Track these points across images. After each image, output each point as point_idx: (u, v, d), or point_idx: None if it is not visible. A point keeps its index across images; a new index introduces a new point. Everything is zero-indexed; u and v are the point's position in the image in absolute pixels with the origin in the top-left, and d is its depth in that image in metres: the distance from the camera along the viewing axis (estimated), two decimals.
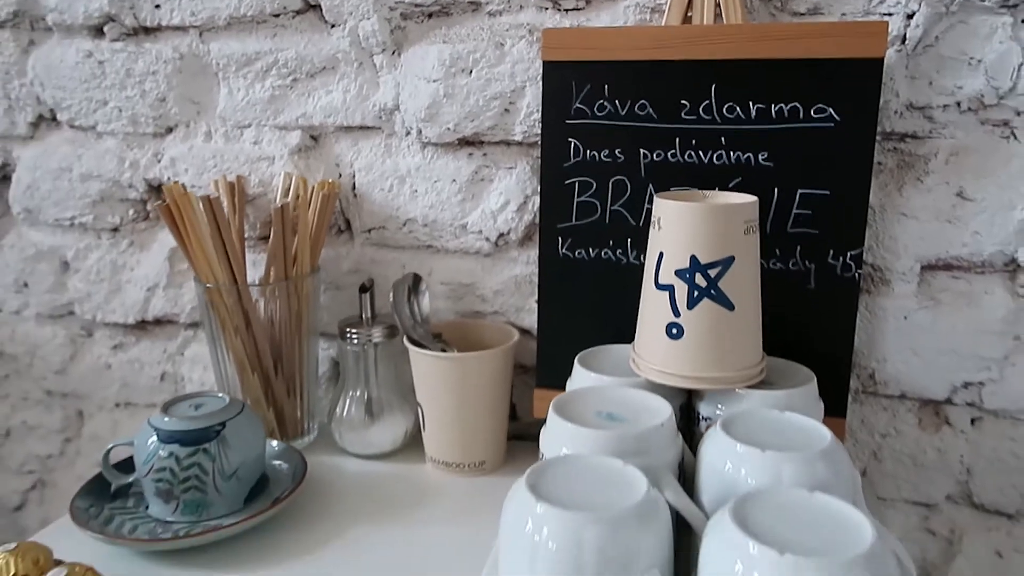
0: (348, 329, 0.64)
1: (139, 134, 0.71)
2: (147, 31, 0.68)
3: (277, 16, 0.65)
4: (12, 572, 0.42)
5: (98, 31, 0.70)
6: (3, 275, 0.78)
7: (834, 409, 0.55)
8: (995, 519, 0.61)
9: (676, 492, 0.40)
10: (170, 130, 0.71)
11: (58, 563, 0.45)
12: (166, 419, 0.54)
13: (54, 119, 0.73)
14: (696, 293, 0.47)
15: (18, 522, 0.87)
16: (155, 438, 0.53)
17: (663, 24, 0.56)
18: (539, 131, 0.60)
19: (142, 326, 0.77)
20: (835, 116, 0.53)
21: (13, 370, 0.82)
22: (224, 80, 0.68)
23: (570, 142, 0.58)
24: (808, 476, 0.39)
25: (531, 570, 0.36)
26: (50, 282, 0.77)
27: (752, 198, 0.49)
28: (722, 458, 0.41)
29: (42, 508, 0.86)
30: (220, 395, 0.57)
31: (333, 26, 0.64)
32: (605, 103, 0.57)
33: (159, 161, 0.71)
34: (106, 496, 0.57)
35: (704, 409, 0.49)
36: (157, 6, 0.67)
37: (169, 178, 0.71)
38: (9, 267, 0.78)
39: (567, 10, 0.59)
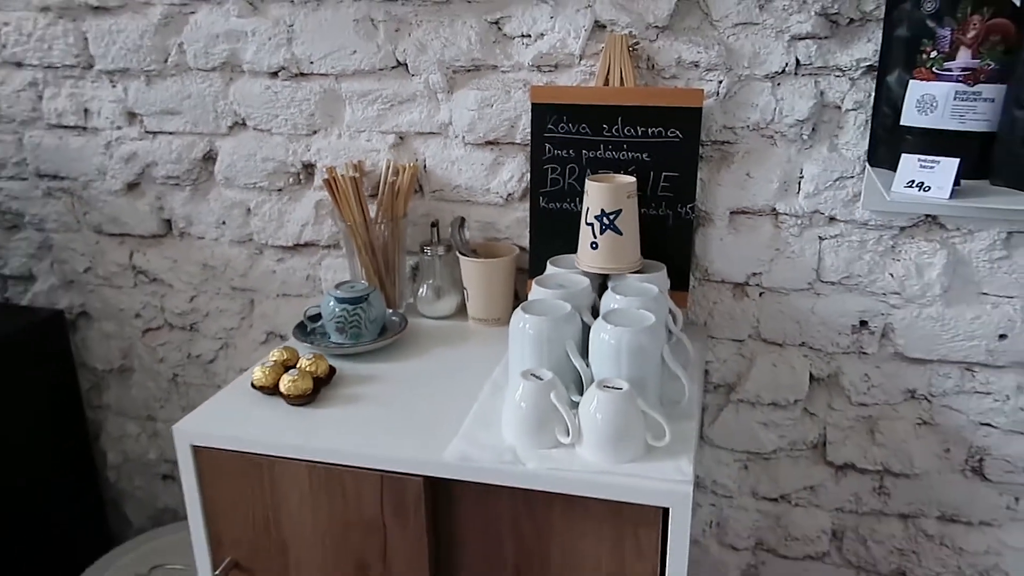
0: (424, 247, 1.16)
1: (296, 134, 1.21)
2: (304, 75, 1.18)
3: (381, 70, 1.15)
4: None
5: (274, 75, 1.19)
6: (209, 216, 1.30)
7: (681, 286, 1.07)
8: (772, 347, 1.13)
9: (587, 315, 0.93)
10: (315, 132, 1.21)
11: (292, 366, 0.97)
12: (338, 292, 1.06)
13: (244, 124, 1.23)
14: (603, 227, 0.99)
15: (210, 369, 1.41)
16: (334, 301, 1.05)
17: (594, 85, 1.06)
18: (530, 138, 1.10)
19: (295, 248, 1.28)
20: (679, 134, 1.03)
21: (212, 275, 1.34)
22: (349, 104, 1.18)
23: (546, 145, 1.08)
24: (643, 306, 0.91)
25: (520, 345, 0.88)
26: (239, 221, 1.29)
27: (632, 179, 1.00)
28: (606, 302, 0.93)
29: (227, 361, 1.40)
30: (363, 282, 1.09)
31: (413, 76, 1.14)
32: (564, 124, 1.07)
33: (308, 150, 1.22)
34: (304, 335, 1.09)
35: (610, 284, 1.01)
36: (311, 62, 1.16)
37: (315, 162, 1.21)
38: (213, 212, 1.30)
39: (544, 73, 1.09)
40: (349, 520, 0.86)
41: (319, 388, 0.94)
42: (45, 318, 1.40)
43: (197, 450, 0.89)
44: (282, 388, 0.92)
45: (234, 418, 0.91)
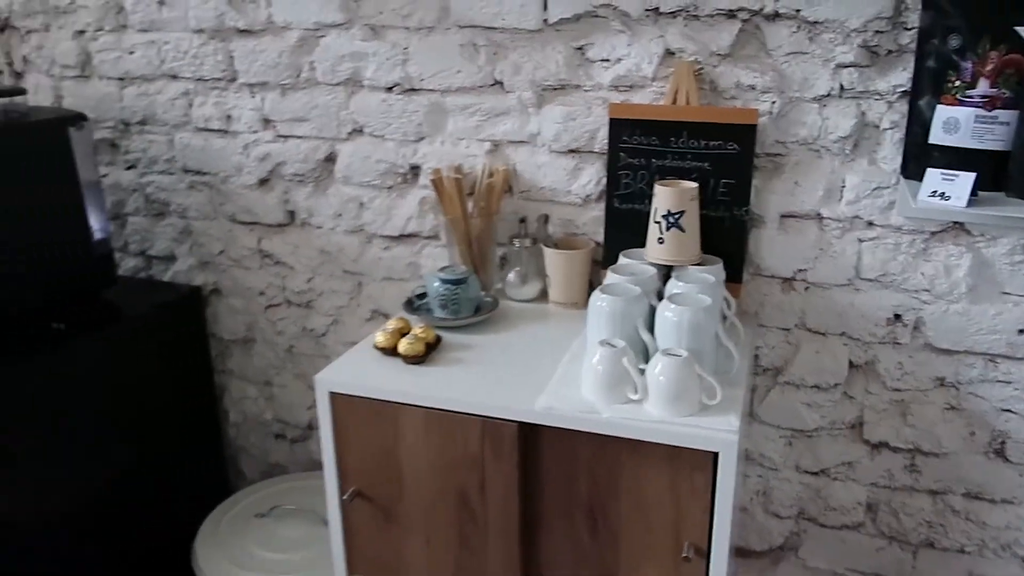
0: (513, 239, 1.35)
1: (406, 140, 1.42)
2: (415, 91, 1.39)
3: (481, 87, 1.35)
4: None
5: (389, 89, 1.41)
6: (327, 208, 1.52)
7: (736, 279, 1.24)
8: (817, 336, 1.29)
9: (653, 298, 1.10)
10: (422, 139, 1.42)
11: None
12: (442, 274, 1.26)
13: (361, 131, 1.45)
14: (668, 225, 1.16)
15: (321, 342, 1.64)
16: (439, 281, 1.25)
17: (663, 103, 1.24)
18: (607, 148, 1.28)
19: (400, 238, 1.49)
20: (737, 147, 1.20)
21: (327, 259, 1.56)
22: (452, 115, 1.38)
23: (620, 154, 1.26)
24: (702, 292, 1.08)
25: (598, 319, 1.06)
26: (353, 213, 1.51)
27: (694, 184, 1.17)
28: (670, 288, 1.11)
29: (336, 335, 1.62)
30: (461, 267, 1.30)
31: (508, 93, 1.33)
32: (637, 137, 1.25)
33: (415, 154, 1.43)
34: (411, 309, 1.29)
35: (673, 273, 1.18)
36: (422, 80, 1.37)
37: (420, 164, 1.42)
38: (331, 205, 1.52)
39: (621, 92, 1.27)
40: (454, 457, 1.06)
41: (429, 351, 1.14)
42: (184, 294, 1.65)
43: (333, 396, 1.10)
44: (400, 349, 1.12)
45: (362, 372, 1.12)
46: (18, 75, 1.67)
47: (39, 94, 1.66)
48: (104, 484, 1.46)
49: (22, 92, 1.38)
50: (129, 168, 1.65)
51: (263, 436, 1.76)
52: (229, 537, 1.48)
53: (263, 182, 1.55)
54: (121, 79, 1.59)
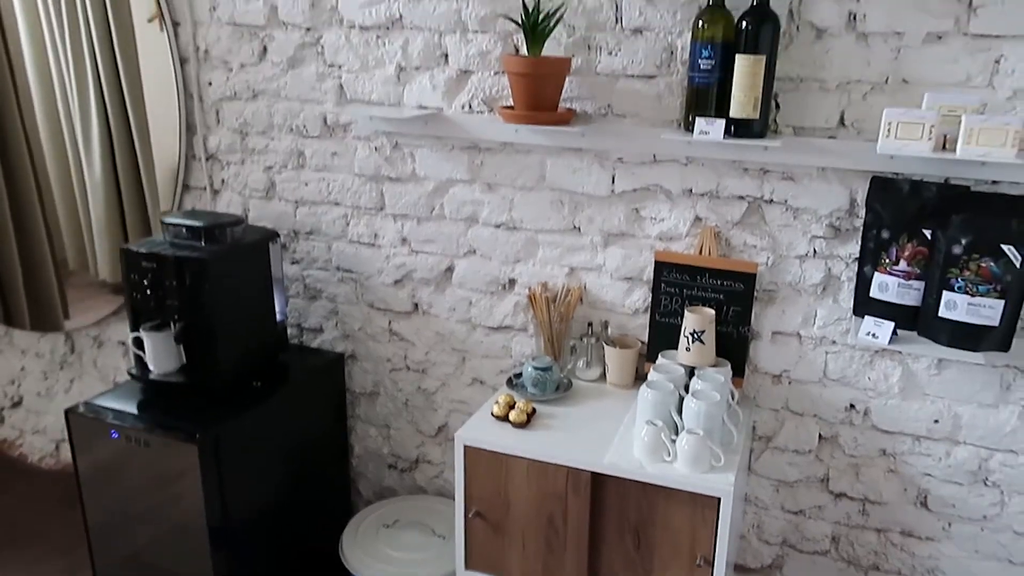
0: (582, 336, 1.91)
1: (507, 262, 1.99)
2: (516, 228, 1.96)
3: (563, 230, 1.91)
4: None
5: (497, 227, 1.98)
6: (444, 304, 2.09)
7: (740, 375, 1.78)
8: (796, 415, 1.83)
9: (682, 391, 1.66)
10: (518, 261, 1.98)
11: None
12: (535, 363, 1.81)
13: (474, 252, 2.02)
14: (693, 339, 1.72)
15: (431, 399, 2.20)
16: (532, 368, 1.81)
17: (693, 253, 1.80)
18: (652, 278, 1.84)
19: (497, 328, 2.06)
20: (743, 286, 1.75)
21: (441, 340, 2.13)
22: (541, 247, 1.95)
23: (662, 284, 1.82)
24: (714, 390, 1.63)
25: (644, 405, 1.61)
26: (464, 308, 2.08)
27: (712, 311, 1.72)
28: (694, 384, 1.66)
29: (444, 394, 2.18)
30: (546, 357, 1.85)
31: (583, 235, 1.90)
32: (674, 274, 1.81)
33: (512, 272, 1.99)
34: (511, 387, 1.85)
35: (696, 372, 1.73)
36: (522, 221, 1.94)
37: (516, 279, 1.99)
38: (447, 301, 2.09)
39: (663, 241, 1.83)
40: (545, 493, 1.62)
41: (529, 419, 1.70)
42: (331, 359, 2.22)
43: (467, 448, 1.66)
44: (511, 418, 1.68)
45: (484, 432, 1.68)
46: (216, 192, 2.27)
47: (231, 207, 2.26)
48: (270, 497, 2.03)
49: (242, 222, 1.97)
50: (294, 263, 2.24)
51: (379, 466, 2.33)
52: (366, 541, 2.04)
53: (397, 282, 2.13)
54: (296, 202, 2.18)
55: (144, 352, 1.87)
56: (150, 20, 2.19)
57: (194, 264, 1.80)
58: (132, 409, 1.86)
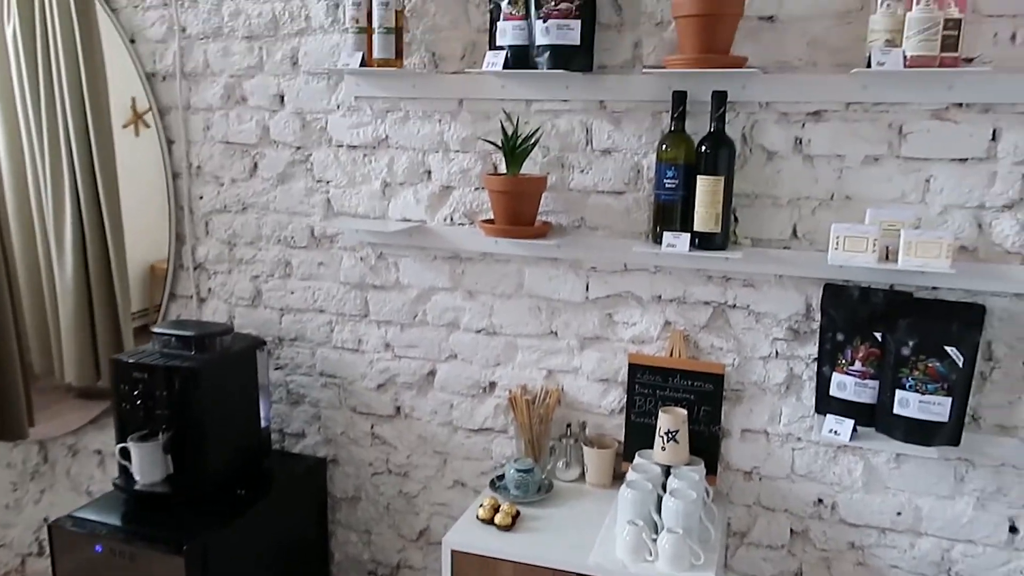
0: (561, 437, 1.98)
1: (487, 365, 2.08)
2: (496, 333, 2.06)
3: (541, 335, 2.02)
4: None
5: (478, 332, 2.07)
6: (426, 407, 2.16)
7: (713, 472, 1.86)
8: (768, 511, 1.90)
9: (659, 490, 1.73)
10: (498, 364, 2.07)
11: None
12: (517, 465, 1.88)
13: (455, 356, 2.11)
14: (667, 438, 1.80)
15: (413, 502, 2.23)
16: (514, 470, 1.87)
17: (664, 355, 1.91)
18: (627, 379, 1.94)
19: (478, 430, 2.12)
20: (712, 386, 1.85)
21: (423, 442, 2.18)
22: (520, 351, 2.04)
23: (636, 386, 1.92)
24: (690, 488, 1.71)
25: (624, 505, 1.68)
26: (445, 411, 2.14)
27: (684, 411, 1.82)
28: (671, 483, 1.74)
29: (425, 497, 2.21)
30: (528, 459, 1.92)
31: (560, 339, 2.00)
32: (647, 375, 1.91)
33: (493, 375, 2.07)
34: (494, 488, 1.90)
35: (672, 471, 1.81)
36: (501, 327, 2.04)
37: (496, 382, 2.07)
38: (429, 404, 2.15)
39: (636, 344, 1.94)
40: None
41: (514, 522, 1.75)
42: (312, 464, 2.25)
43: (454, 553, 1.70)
44: (496, 521, 1.73)
45: (471, 536, 1.72)
46: (202, 300, 2.34)
47: (217, 315, 2.32)
48: None
49: (230, 330, 2.04)
50: (278, 369, 2.30)
51: (360, 574, 2.32)
52: None
53: (380, 386, 2.20)
54: (282, 309, 2.26)
55: (130, 463, 1.89)
56: (125, 126, 2.31)
57: (185, 373, 1.85)
58: (116, 521, 1.86)
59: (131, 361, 1.87)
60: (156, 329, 1.97)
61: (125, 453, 1.90)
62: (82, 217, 2.33)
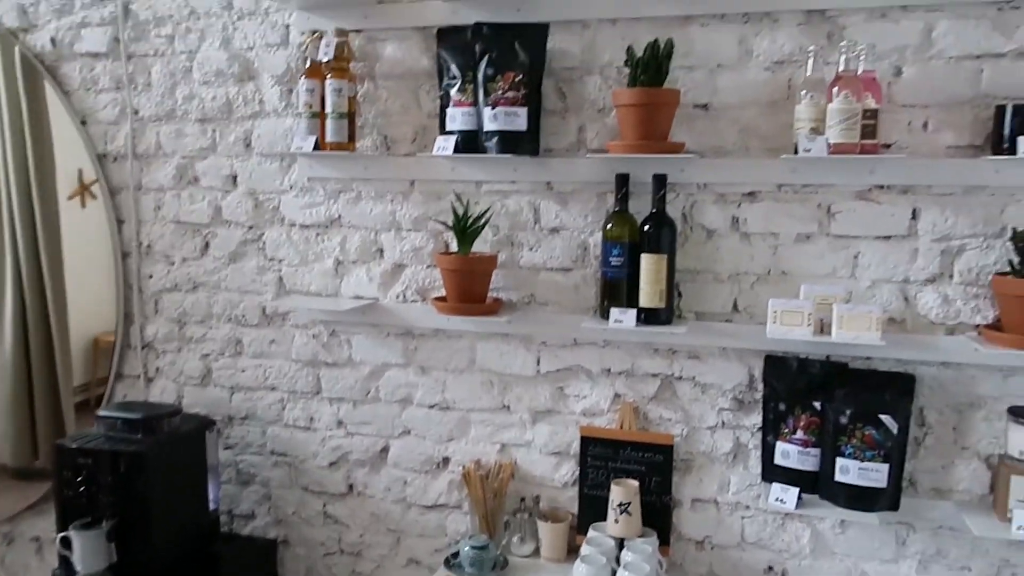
0: (516, 512, 1.99)
1: (440, 440, 2.08)
2: (450, 409, 2.07)
3: (494, 409, 2.04)
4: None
5: (431, 407, 2.08)
6: (380, 484, 2.14)
7: (666, 543, 1.88)
8: (720, 550, 1.93)
9: (613, 563, 1.74)
10: (452, 439, 2.08)
11: None
12: (472, 542, 1.87)
13: (409, 432, 2.11)
14: (620, 511, 1.82)
15: None
16: (469, 547, 1.86)
17: (615, 427, 1.94)
18: (579, 452, 1.97)
19: (432, 507, 2.11)
20: (662, 457, 1.89)
21: (376, 520, 2.16)
22: (474, 425, 2.06)
23: (588, 458, 1.94)
24: (644, 562, 1.73)
25: None
26: (399, 488, 2.13)
27: (636, 483, 1.85)
28: (624, 555, 1.75)
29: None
30: (483, 536, 1.91)
31: (513, 413, 2.03)
32: (598, 448, 1.94)
33: (447, 450, 2.08)
34: (448, 567, 1.89)
35: (625, 543, 1.83)
36: (455, 401, 2.06)
37: (450, 457, 2.07)
38: (382, 481, 2.14)
39: (587, 417, 1.98)
40: None
41: None
42: (262, 546, 2.20)
43: None
44: None
45: None
46: (150, 380, 2.30)
47: (165, 394, 2.29)
48: None
49: (179, 411, 2.01)
50: (227, 448, 2.26)
51: None
52: None
53: (332, 464, 2.18)
54: (232, 388, 2.24)
55: (71, 552, 1.83)
56: (70, 198, 2.30)
57: (131, 458, 1.81)
58: None
59: (75, 447, 1.83)
60: (101, 412, 1.94)
61: (66, 542, 1.83)
62: (23, 288, 2.29)
